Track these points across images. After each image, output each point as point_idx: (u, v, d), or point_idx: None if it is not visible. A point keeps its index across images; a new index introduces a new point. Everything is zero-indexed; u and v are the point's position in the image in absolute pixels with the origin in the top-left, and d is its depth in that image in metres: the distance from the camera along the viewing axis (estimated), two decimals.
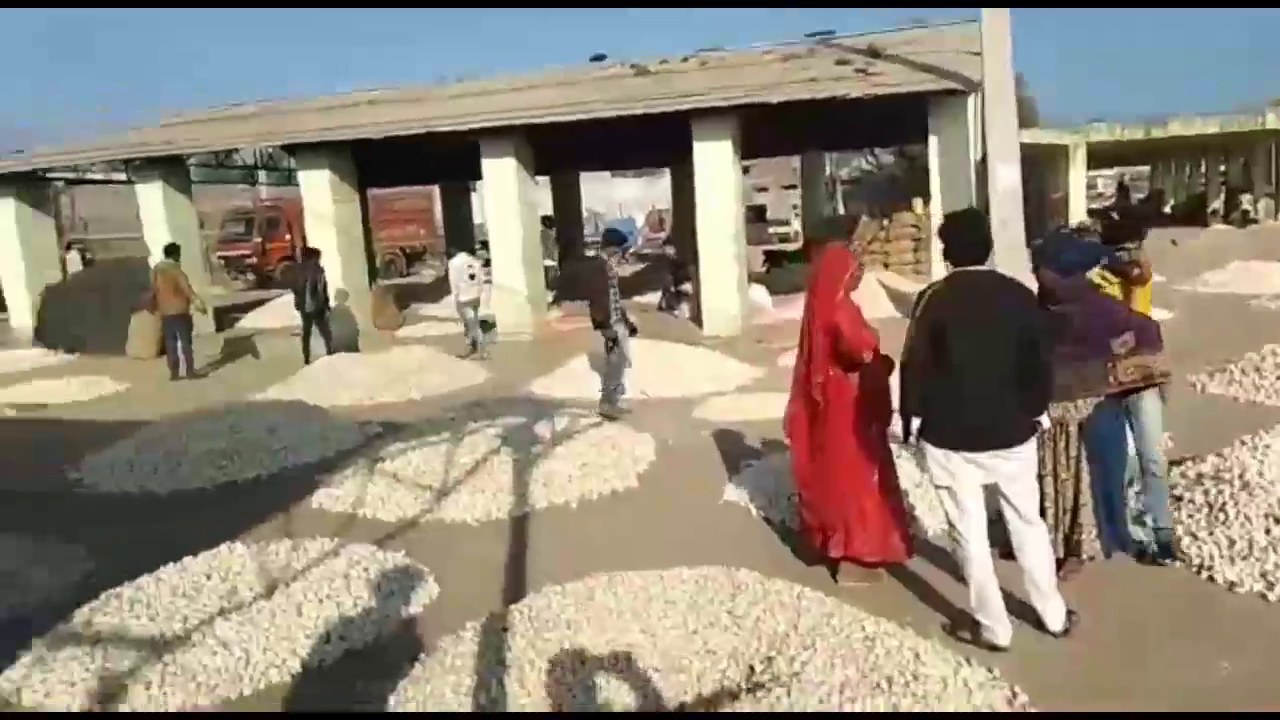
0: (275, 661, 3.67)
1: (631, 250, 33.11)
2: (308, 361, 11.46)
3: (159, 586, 4.35)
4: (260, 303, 18.60)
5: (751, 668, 3.13)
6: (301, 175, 14.80)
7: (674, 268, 16.20)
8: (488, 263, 13.89)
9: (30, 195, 16.60)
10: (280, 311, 17.14)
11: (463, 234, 23.54)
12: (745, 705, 2.86)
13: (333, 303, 12.37)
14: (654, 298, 16.01)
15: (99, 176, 21.08)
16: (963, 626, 3.66)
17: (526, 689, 2.99)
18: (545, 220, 17.24)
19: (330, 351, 11.79)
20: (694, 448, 6.91)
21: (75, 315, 14.90)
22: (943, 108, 11.41)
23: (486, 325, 12.82)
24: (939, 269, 11.22)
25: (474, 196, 25.06)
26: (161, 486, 6.67)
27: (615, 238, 9.16)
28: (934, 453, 3.50)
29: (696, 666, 3.17)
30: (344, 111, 16.24)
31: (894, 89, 11.42)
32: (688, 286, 14.77)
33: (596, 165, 25.09)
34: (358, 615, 4.05)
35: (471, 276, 12.42)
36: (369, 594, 4.24)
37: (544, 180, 18.18)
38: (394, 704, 3.10)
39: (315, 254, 12.63)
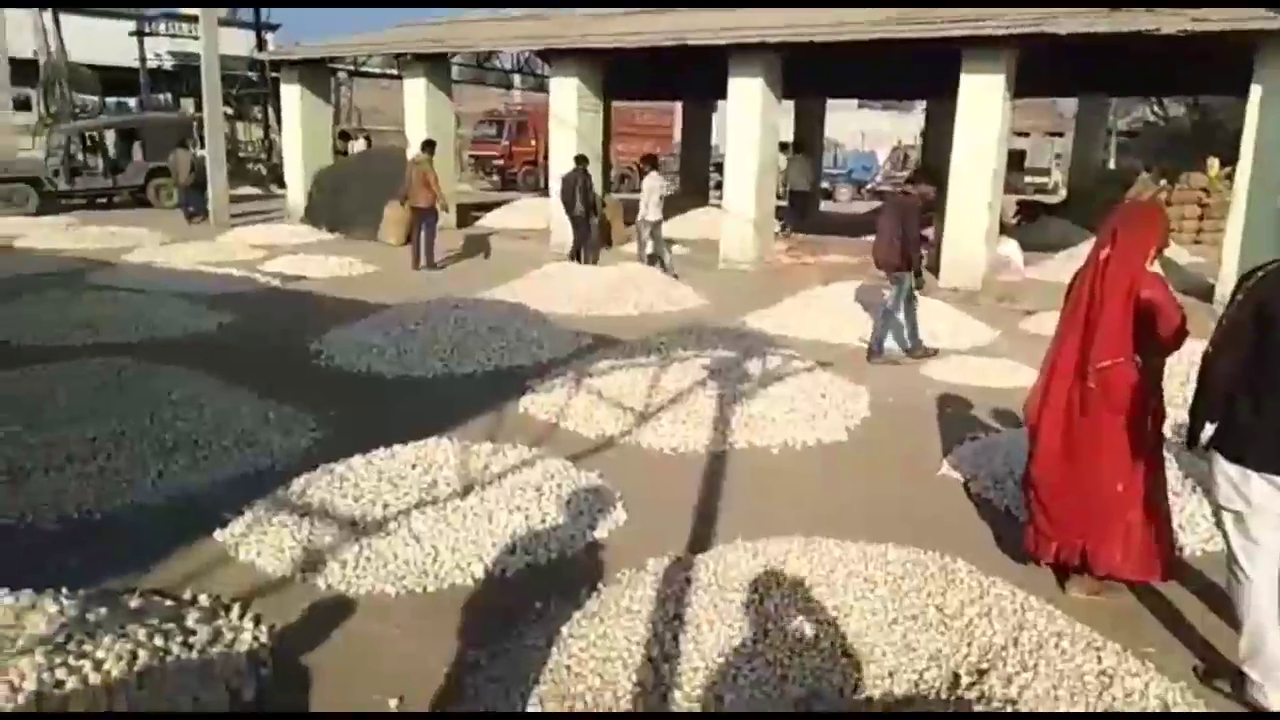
0: (461, 564, 3.70)
1: (868, 186, 31.54)
2: (577, 259, 11.98)
3: (368, 469, 4.53)
4: (501, 203, 19.35)
5: (957, 676, 2.75)
6: (552, 81, 14.98)
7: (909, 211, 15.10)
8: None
9: (315, 83, 18.00)
10: (519, 213, 17.81)
11: (699, 154, 23.27)
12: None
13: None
14: None
15: (375, 70, 22.61)
16: (1221, 676, 3.06)
17: (701, 652, 2.77)
18: (782, 146, 16.53)
19: (585, 256, 12.15)
20: (914, 408, 6.37)
21: (339, 198, 16.15)
22: (1273, 50, 9.58)
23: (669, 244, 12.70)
24: (1233, 244, 9.78)
25: (715, 116, 24.62)
26: (389, 369, 7.03)
27: (924, 178, 8.18)
28: (1228, 469, 2.87)
29: (890, 661, 2.82)
30: (600, 21, 16.20)
31: (1216, 25, 9.69)
32: (929, 232, 13.73)
33: (848, 92, 23.75)
34: (544, 530, 4.01)
35: (662, 198, 12.24)
36: (558, 511, 4.19)
37: (787, 105, 17.37)
38: (565, 635, 2.99)
39: (584, 160, 12.77)
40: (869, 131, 42.76)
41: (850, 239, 15.78)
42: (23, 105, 24.03)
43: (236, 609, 3.32)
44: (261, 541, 3.85)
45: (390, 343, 7.43)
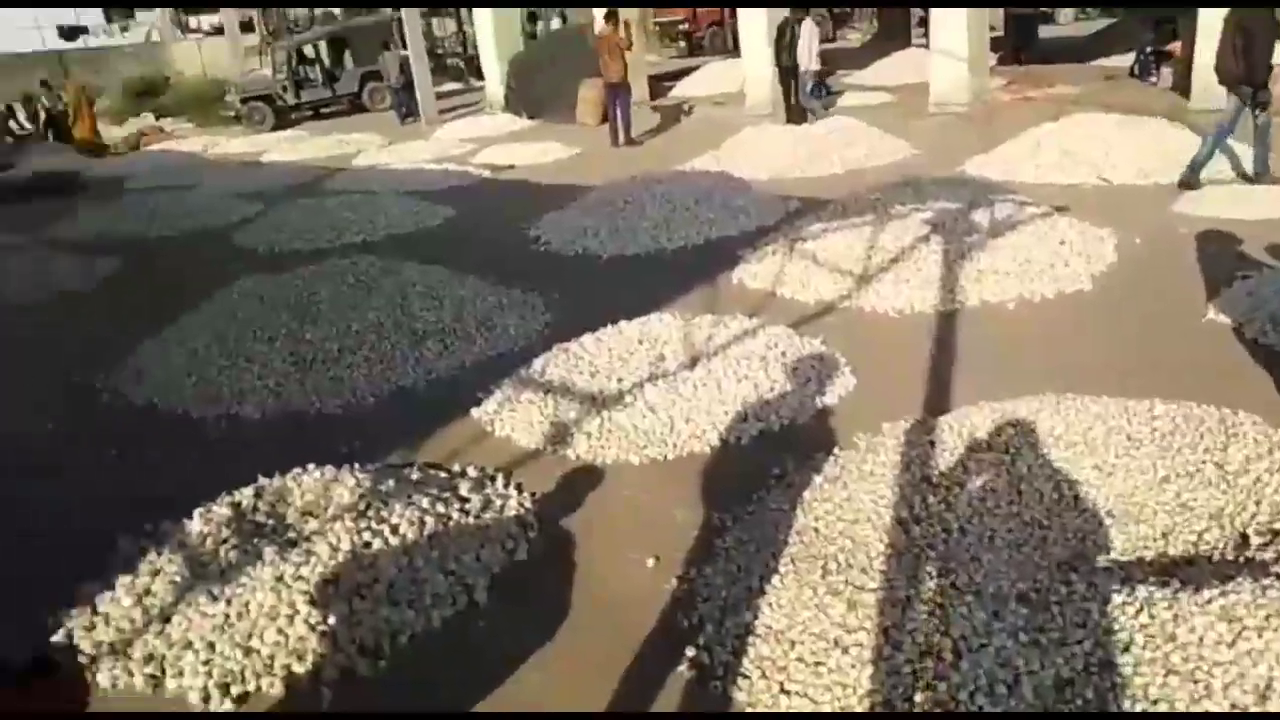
0: (696, 432, 3.82)
1: None
2: (790, 119, 11.43)
3: (598, 346, 4.73)
4: (691, 70, 18.88)
5: (1244, 536, 2.55)
6: None
7: (1155, 23, 13.24)
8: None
9: None
10: (710, 79, 17.32)
11: None
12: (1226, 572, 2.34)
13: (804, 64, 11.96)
14: (1124, 61, 13.39)
15: None
16: None
17: (955, 513, 2.74)
18: None
19: (801, 110, 11.71)
20: (1169, 250, 5.76)
21: (533, 84, 16.36)
22: None
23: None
24: None
25: None
26: (602, 249, 7.20)
27: None
28: None
29: (1164, 521, 2.66)
30: None
31: None
32: (1174, 46, 12.03)
33: None
34: (773, 398, 4.04)
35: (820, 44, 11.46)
36: (785, 378, 4.20)
37: None
38: (808, 499, 3.04)
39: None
40: None
41: (1077, 66, 14.16)
42: (246, 27, 25.90)
43: (501, 478, 3.64)
44: (513, 417, 4.16)
45: (601, 223, 7.59)
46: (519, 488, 3.57)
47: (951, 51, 12.01)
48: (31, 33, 29.41)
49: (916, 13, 21.63)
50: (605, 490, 3.57)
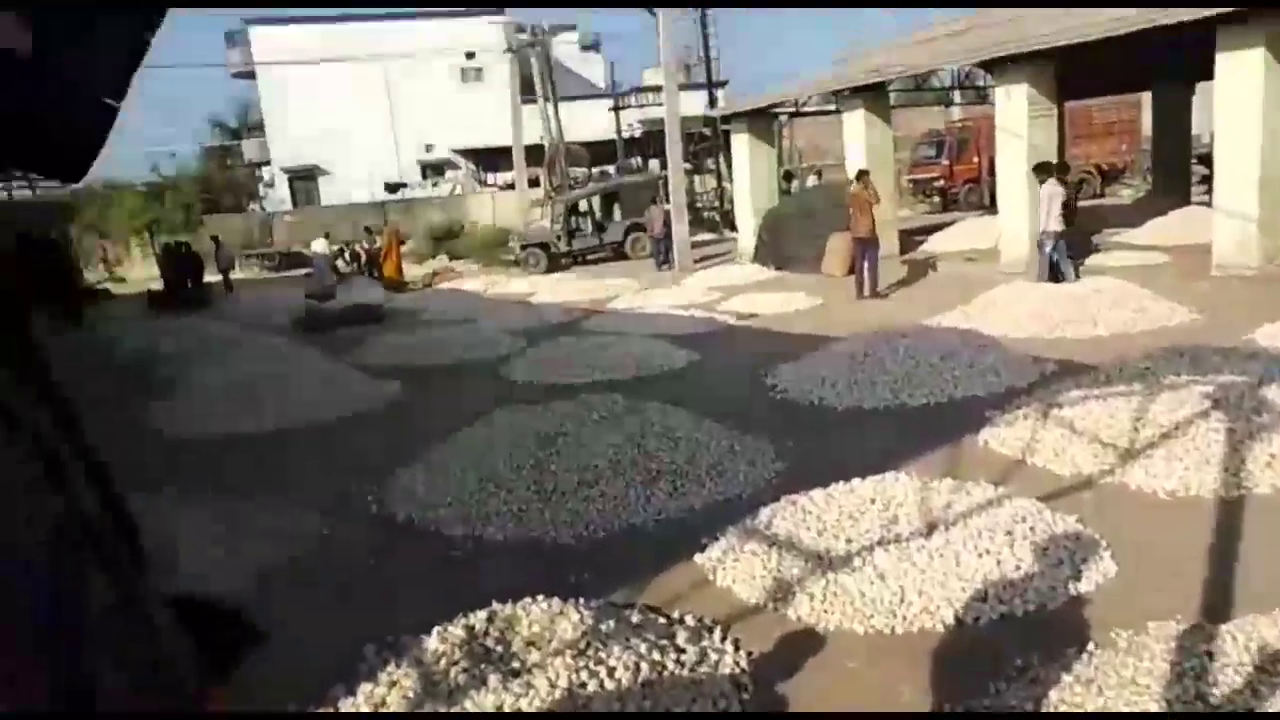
0: (929, 607, 3.60)
1: None
2: (1055, 279, 11.02)
3: (828, 502, 4.63)
4: (943, 225, 18.69)
5: None
6: (998, 92, 14.16)
7: None
8: None
9: (759, 129, 19.15)
10: (964, 234, 17.04)
11: (1176, 146, 20.22)
12: None
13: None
14: None
15: (812, 109, 23.39)
16: None
17: None
18: None
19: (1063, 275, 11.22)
20: None
21: (782, 236, 16.90)
22: None
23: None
24: None
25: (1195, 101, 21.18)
26: (839, 401, 7.13)
27: None
28: None
29: None
30: (1048, 19, 14.95)
31: None
32: None
33: None
34: (1019, 579, 3.73)
35: (1062, 205, 11.03)
36: (1033, 557, 3.87)
37: None
38: (1056, 700, 2.74)
39: (1047, 169, 11.84)
40: None
41: None
42: (533, 183, 29.09)
43: (718, 631, 3.60)
44: (736, 567, 4.14)
45: (839, 374, 7.54)
46: (736, 644, 3.51)
47: (1239, 209, 11.04)
48: (364, 187, 34.67)
49: (1199, 169, 20.23)
50: (826, 658, 3.43)
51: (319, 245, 20.95)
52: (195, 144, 39.42)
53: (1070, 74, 13.98)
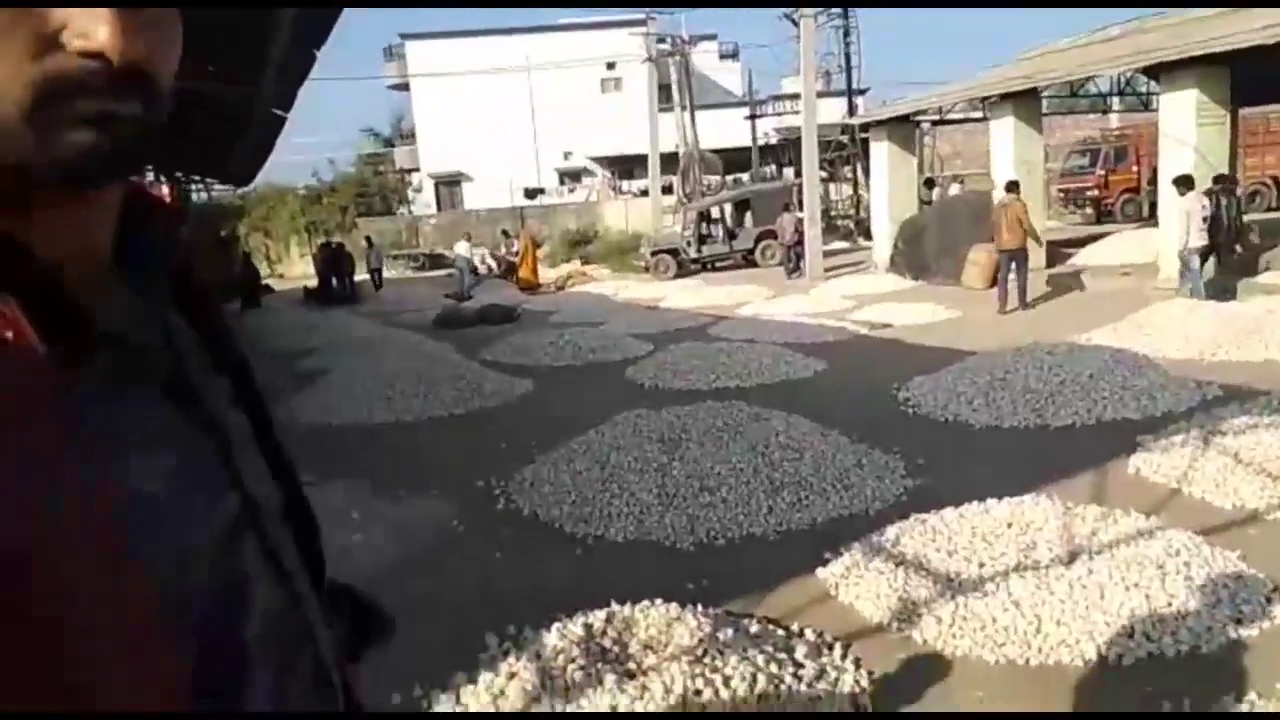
0: (1068, 639, 3.38)
1: None
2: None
3: (960, 523, 4.43)
4: (1095, 238, 17.64)
5: None
6: (1163, 98, 13.25)
7: None
8: None
9: (900, 137, 18.65)
10: (1117, 247, 16.03)
11: None
12: None
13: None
14: None
15: (958, 116, 22.56)
16: None
17: None
18: None
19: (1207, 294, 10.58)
20: None
21: (920, 246, 16.38)
22: None
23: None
24: None
25: None
26: (976, 418, 6.83)
27: None
28: None
29: None
30: (1220, 20, 13.88)
31: None
32: None
33: None
34: (1170, 616, 3.46)
35: (1205, 219, 10.42)
36: (1187, 594, 3.59)
37: None
38: None
39: (1222, 180, 11.23)
40: None
41: None
42: (667, 190, 29.33)
43: (839, 649, 3.50)
44: (859, 585, 4.02)
45: (978, 391, 7.23)
46: (857, 663, 3.40)
47: None
48: (505, 193, 35.83)
49: None
50: (952, 685, 3.28)
51: (461, 248, 21.78)
52: (352, 152, 41.68)
53: (1247, 79, 12.94)
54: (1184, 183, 10.96)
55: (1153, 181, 17.55)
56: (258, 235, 32.56)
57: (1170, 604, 3.52)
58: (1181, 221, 10.70)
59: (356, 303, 20.49)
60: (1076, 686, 3.17)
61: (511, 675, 3.19)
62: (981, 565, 3.98)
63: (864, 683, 3.25)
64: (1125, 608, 3.50)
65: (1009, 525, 4.36)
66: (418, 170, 40.91)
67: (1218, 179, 11.38)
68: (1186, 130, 12.40)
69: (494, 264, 25.09)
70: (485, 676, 3.23)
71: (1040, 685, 3.20)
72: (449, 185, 40.39)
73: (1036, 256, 14.31)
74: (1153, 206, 13.02)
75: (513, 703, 3.03)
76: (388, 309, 18.24)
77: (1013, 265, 12.19)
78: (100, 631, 0.53)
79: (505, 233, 25.06)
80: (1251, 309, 9.17)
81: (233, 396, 0.77)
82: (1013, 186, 12.69)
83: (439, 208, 39.11)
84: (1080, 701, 3.09)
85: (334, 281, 21.83)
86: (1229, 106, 12.88)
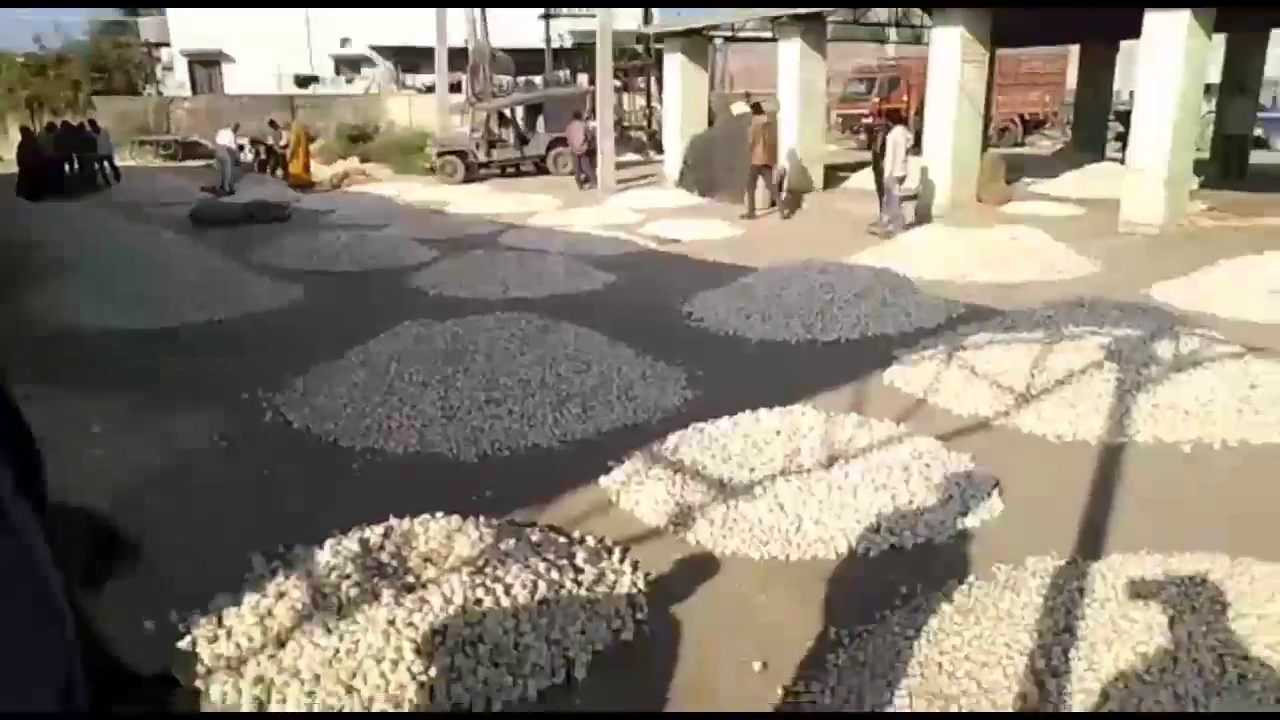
0: (824, 536, 3.68)
1: None
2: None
3: (735, 431, 4.67)
4: (869, 163, 18.79)
5: None
6: (935, 32, 14.15)
7: None
8: None
9: (694, 52, 18.77)
10: None
11: (1096, 102, 20.69)
12: None
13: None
14: None
15: (750, 35, 22.98)
16: None
17: (1096, 673, 2.47)
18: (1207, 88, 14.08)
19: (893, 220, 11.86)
20: None
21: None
22: None
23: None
24: None
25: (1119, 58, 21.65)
26: (754, 332, 7.18)
27: None
28: None
29: None
30: None
31: None
32: None
33: None
34: (911, 512, 3.84)
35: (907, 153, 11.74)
36: (926, 492, 3.99)
37: (1217, 39, 14.65)
38: (935, 627, 2.84)
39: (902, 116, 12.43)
40: None
41: None
42: (454, 88, 27.92)
43: (618, 553, 3.61)
44: (639, 491, 4.15)
45: (756, 306, 7.58)
46: (635, 565, 3.53)
47: (1149, 169, 11.41)
48: (272, 78, 32.73)
49: (1114, 125, 20.77)
50: (721, 582, 3.48)
51: (224, 137, 19.75)
52: (82, 19, 36.32)
53: (1006, 21, 14.05)
54: (893, 117, 12.16)
55: (920, 112, 18.83)
56: None
57: (912, 501, 3.91)
58: (891, 153, 11.69)
59: (87, 194, 18.06)
60: (829, 578, 3.46)
61: (280, 595, 3.03)
62: (752, 470, 4.22)
63: (640, 584, 3.37)
64: (874, 506, 3.85)
65: (778, 433, 4.64)
66: (167, 45, 36.39)
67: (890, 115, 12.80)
68: (952, 65, 13.34)
69: (266, 155, 22.94)
70: (251, 598, 3.05)
71: (799, 577, 3.47)
72: (206, 66, 36.27)
73: (816, 179, 15.12)
74: (919, 135, 14.04)
75: (281, 623, 2.88)
76: (132, 203, 16.29)
77: (762, 176, 13.71)
78: None
79: (273, 123, 22.85)
80: (998, 236, 10.15)
81: None
82: (758, 108, 13.78)
83: (194, 90, 35.14)
84: (831, 590, 3.37)
85: (69, 168, 19.19)
86: (989, 46, 13.96)
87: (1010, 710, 2.44)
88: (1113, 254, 10.03)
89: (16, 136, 19.65)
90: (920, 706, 2.46)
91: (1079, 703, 2.40)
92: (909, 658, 2.73)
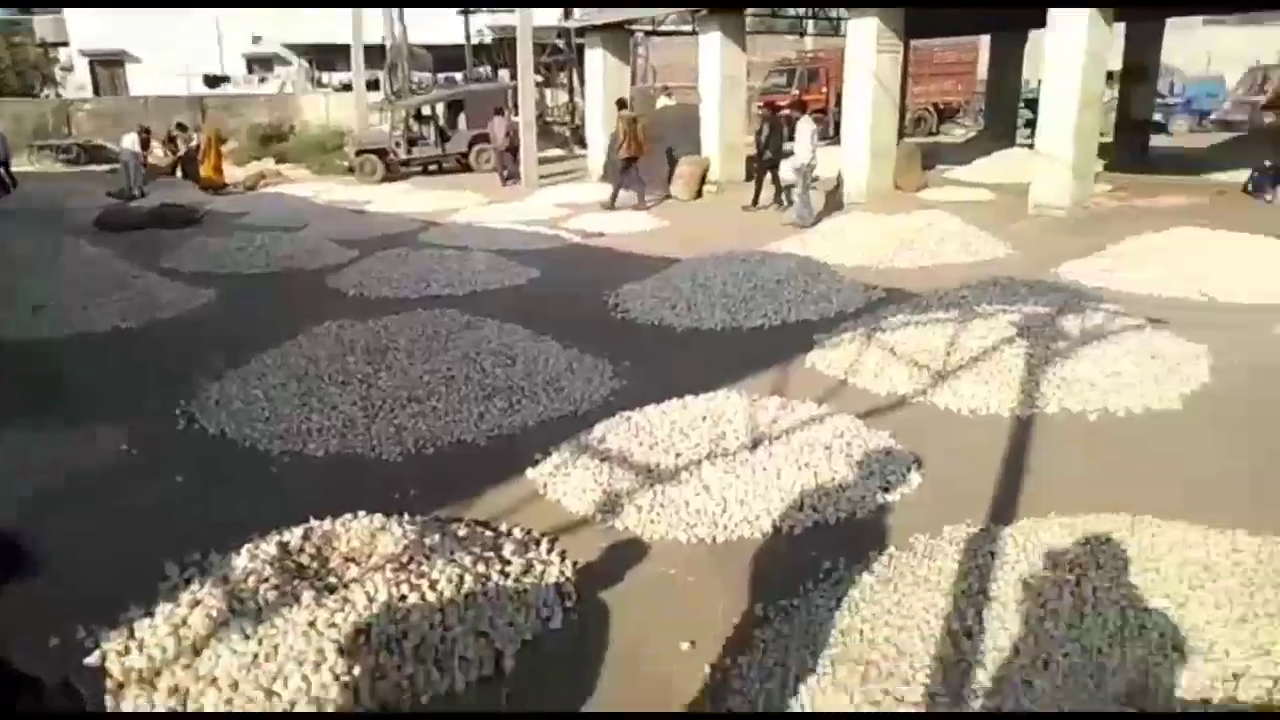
0: (749, 516, 3.73)
1: (1214, 117, 27.24)
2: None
3: (661, 418, 4.70)
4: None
5: None
6: (851, 24, 14.40)
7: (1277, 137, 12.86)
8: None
9: (615, 46, 18.75)
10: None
11: (1007, 91, 21.37)
12: None
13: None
14: (1239, 176, 12.98)
15: (670, 28, 23.08)
16: None
17: (1009, 631, 2.57)
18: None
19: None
20: (1271, 375, 5.45)
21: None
22: None
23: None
24: None
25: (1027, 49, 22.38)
26: (679, 321, 7.23)
27: None
28: None
29: (1237, 662, 2.45)
30: None
31: None
32: None
33: (1193, 7, 20.40)
34: (833, 489, 3.93)
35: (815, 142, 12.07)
36: (847, 469, 4.08)
37: (1117, 28, 15.25)
38: (856, 598, 2.91)
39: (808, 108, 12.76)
40: (1216, 52, 36.75)
41: (1189, 179, 13.79)
42: (372, 85, 27.37)
43: (545, 543, 3.61)
44: (567, 482, 4.14)
45: (679, 296, 7.63)
46: (562, 555, 3.52)
47: (1056, 153, 11.83)
48: (180, 79, 31.57)
49: (1024, 112, 21.45)
50: (649, 566, 3.50)
51: (129, 140, 18.98)
52: None
53: (918, 12, 14.38)
54: (800, 107, 12.48)
55: (839, 103, 19.17)
56: None
57: (834, 479, 3.99)
58: (801, 141, 11.95)
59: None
60: (755, 557, 3.52)
61: (195, 603, 2.94)
62: (678, 455, 4.25)
63: (568, 572, 3.37)
64: (797, 485, 3.92)
65: (703, 418, 4.68)
66: (65, 45, 34.78)
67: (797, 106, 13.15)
68: (868, 56, 13.59)
69: (162, 154, 22.00)
70: (164, 608, 2.96)
71: (725, 558, 3.52)
72: (108, 66, 34.77)
73: (738, 168, 15.28)
74: (838, 125, 14.30)
75: (197, 631, 2.80)
76: (30, 210, 15.55)
77: (631, 170, 14.24)
78: None
79: (181, 125, 22.06)
80: (915, 222, 10.40)
81: None
82: (622, 104, 14.46)
83: (96, 91, 33.68)
84: (757, 568, 3.43)
85: None
86: (903, 37, 14.28)
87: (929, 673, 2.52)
88: (1023, 235, 10.38)
89: None
90: (842, 673, 2.52)
91: (991, 660, 2.49)
92: (832, 627, 2.79)
